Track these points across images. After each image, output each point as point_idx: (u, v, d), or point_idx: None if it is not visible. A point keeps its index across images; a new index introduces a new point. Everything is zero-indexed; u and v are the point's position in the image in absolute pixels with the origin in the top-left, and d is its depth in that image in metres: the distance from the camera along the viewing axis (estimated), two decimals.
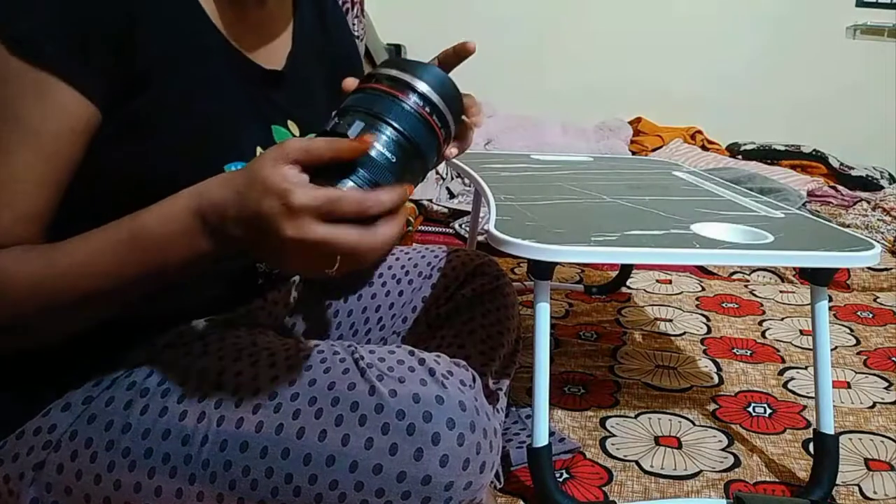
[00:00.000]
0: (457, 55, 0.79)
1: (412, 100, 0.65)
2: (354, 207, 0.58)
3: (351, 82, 0.70)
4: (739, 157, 3.20)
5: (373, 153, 0.61)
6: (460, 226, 2.43)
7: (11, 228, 0.66)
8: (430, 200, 2.57)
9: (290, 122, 0.84)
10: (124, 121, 0.70)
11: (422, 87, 0.66)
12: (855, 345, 1.70)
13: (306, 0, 0.90)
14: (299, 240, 0.58)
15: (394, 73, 0.66)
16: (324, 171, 0.60)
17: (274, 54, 0.84)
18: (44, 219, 0.68)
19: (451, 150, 0.72)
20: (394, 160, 0.62)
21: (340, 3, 2.33)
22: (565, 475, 1.16)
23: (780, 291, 2.05)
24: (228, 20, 0.77)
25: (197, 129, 0.74)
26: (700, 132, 3.36)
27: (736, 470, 1.18)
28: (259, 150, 0.78)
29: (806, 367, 1.56)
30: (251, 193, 0.59)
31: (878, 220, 2.47)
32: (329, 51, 0.94)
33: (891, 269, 2.19)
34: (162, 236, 0.64)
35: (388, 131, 0.63)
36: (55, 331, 0.70)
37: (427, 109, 0.65)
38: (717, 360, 1.58)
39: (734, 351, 1.64)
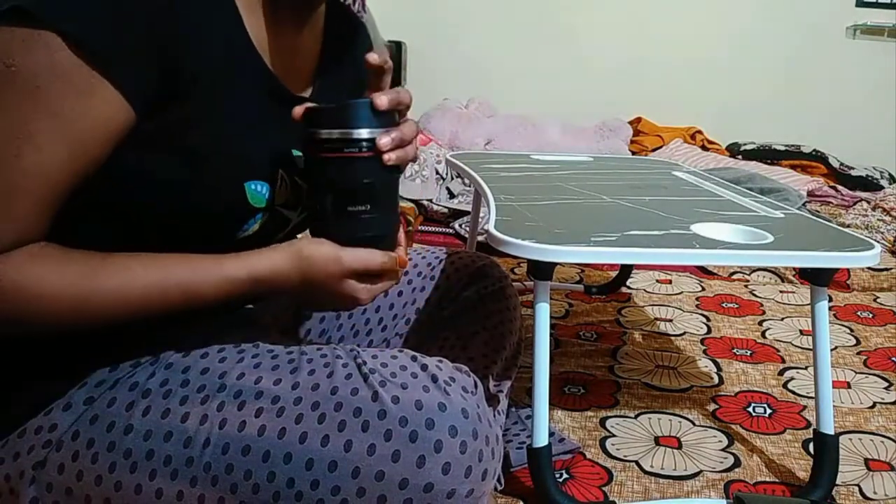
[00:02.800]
0: (375, 75, 0.79)
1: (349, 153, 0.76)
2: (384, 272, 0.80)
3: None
4: (739, 157, 3.20)
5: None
6: (460, 226, 2.43)
7: (29, 218, 0.67)
8: (430, 200, 2.57)
9: None
10: (156, 127, 0.70)
11: (357, 133, 0.75)
12: (855, 345, 1.70)
13: (335, 32, 0.90)
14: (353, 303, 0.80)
15: (328, 134, 0.76)
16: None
17: (302, 81, 0.85)
18: (55, 212, 0.68)
19: (384, 140, 0.76)
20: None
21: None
22: (565, 475, 1.16)
23: (780, 291, 2.05)
24: (267, 43, 0.79)
25: (223, 147, 0.75)
26: (700, 132, 3.36)
27: (736, 470, 1.19)
28: (281, 172, 0.81)
29: (806, 367, 1.56)
30: (321, 297, 0.79)
31: (878, 220, 2.48)
32: (355, 87, 0.93)
33: (891, 269, 2.19)
34: (209, 297, 0.73)
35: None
36: (69, 331, 0.71)
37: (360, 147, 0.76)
38: (717, 360, 1.59)
39: (734, 351, 1.64)
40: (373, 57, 0.76)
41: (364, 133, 0.75)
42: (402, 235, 0.84)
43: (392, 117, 0.78)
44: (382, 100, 0.75)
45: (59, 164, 0.66)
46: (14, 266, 0.66)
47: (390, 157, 0.76)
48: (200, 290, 0.72)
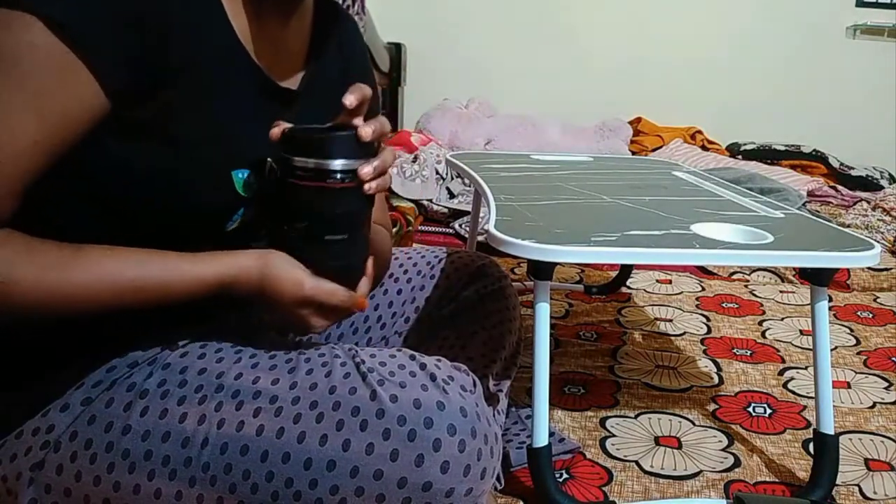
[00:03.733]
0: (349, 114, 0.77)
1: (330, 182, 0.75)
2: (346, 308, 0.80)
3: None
4: (739, 157, 3.19)
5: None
6: (460, 226, 2.43)
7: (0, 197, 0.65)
8: (430, 200, 2.56)
9: None
10: (141, 116, 0.70)
11: (333, 164, 0.74)
12: (855, 345, 1.70)
13: (324, 27, 0.90)
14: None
15: (305, 162, 0.75)
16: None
17: (289, 74, 0.85)
18: (21, 196, 0.67)
19: (366, 170, 0.75)
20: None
21: (341, 1, 2.33)
22: (565, 475, 1.16)
23: (780, 291, 2.05)
24: (251, 36, 0.78)
25: (209, 137, 0.75)
26: (700, 132, 3.36)
27: (736, 470, 1.18)
28: (270, 161, 0.80)
29: (806, 367, 1.56)
30: (275, 314, 0.79)
31: (878, 220, 2.48)
32: (345, 83, 0.93)
33: (891, 269, 2.19)
34: (179, 296, 0.73)
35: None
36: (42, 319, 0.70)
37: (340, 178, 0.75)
38: (717, 360, 1.58)
39: (734, 351, 1.64)
40: (349, 100, 0.75)
41: (347, 164, 0.75)
42: (370, 266, 0.82)
43: (372, 145, 0.77)
44: (367, 131, 0.74)
45: (32, 144, 0.65)
46: None
47: (371, 187, 0.76)
48: (171, 289, 0.72)
